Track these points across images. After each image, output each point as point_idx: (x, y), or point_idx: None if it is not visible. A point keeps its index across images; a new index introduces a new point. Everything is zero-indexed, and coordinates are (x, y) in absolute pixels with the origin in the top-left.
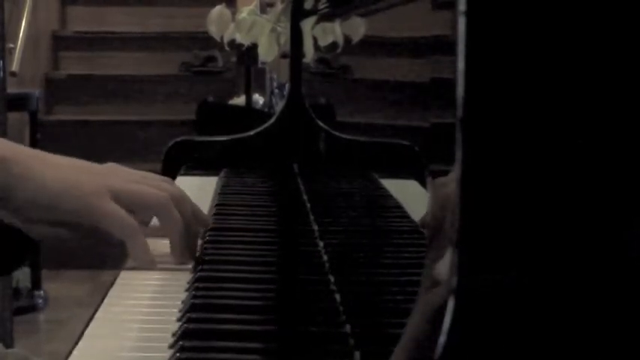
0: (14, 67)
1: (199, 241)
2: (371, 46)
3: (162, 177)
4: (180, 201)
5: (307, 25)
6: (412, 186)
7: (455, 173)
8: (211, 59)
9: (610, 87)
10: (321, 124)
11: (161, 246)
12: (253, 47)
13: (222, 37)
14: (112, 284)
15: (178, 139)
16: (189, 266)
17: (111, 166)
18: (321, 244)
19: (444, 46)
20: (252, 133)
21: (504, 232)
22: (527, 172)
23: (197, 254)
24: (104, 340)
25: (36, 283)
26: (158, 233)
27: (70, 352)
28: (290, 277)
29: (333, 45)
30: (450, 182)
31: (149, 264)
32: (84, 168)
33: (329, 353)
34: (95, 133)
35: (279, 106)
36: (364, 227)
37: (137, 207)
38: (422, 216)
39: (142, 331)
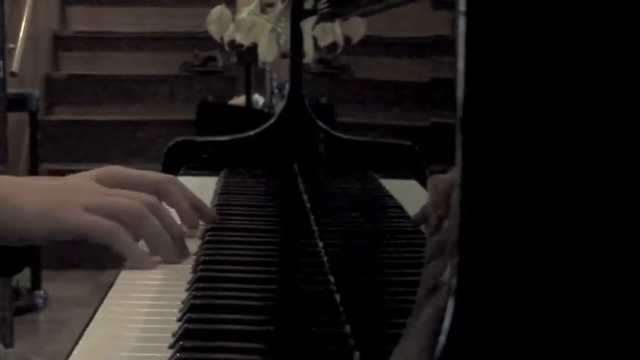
0: (14, 67)
1: (199, 241)
2: (371, 46)
3: (160, 174)
4: (157, 208)
5: (307, 25)
6: (412, 186)
7: (455, 174)
8: (211, 59)
9: (610, 86)
10: (321, 124)
11: None
12: (253, 47)
13: (222, 37)
14: (112, 284)
15: (178, 139)
16: (189, 265)
17: (83, 182)
18: (321, 244)
19: (444, 46)
20: (252, 133)
21: (504, 233)
22: (527, 172)
23: (187, 254)
24: (104, 340)
25: (36, 283)
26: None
27: (70, 352)
28: (290, 277)
29: (333, 45)
30: (449, 180)
31: (144, 261)
32: (56, 187)
33: (329, 353)
34: (95, 133)
35: (279, 106)
36: (364, 227)
37: (111, 217)
38: (416, 213)
39: (142, 331)
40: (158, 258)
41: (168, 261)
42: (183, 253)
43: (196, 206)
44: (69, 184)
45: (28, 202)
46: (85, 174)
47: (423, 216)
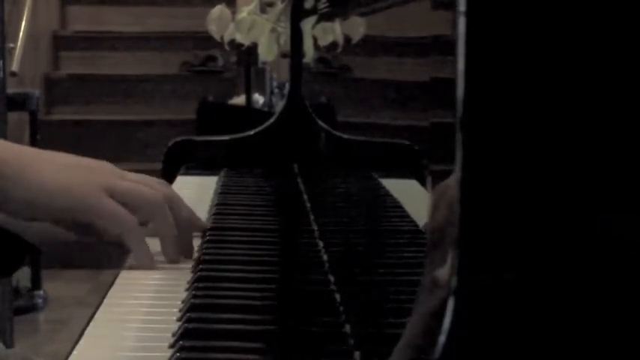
0: (14, 67)
1: (199, 241)
2: (371, 45)
3: (157, 179)
4: (174, 202)
5: (307, 24)
6: (412, 186)
7: (455, 174)
8: (211, 59)
9: (610, 85)
10: (321, 123)
11: (158, 245)
12: (253, 47)
13: (222, 37)
14: (112, 284)
15: (178, 139)
16: (189, 265)
17: (105, 165)
18: (321, 244)
19: (444, 46)
20: (252, 132)
21: (504, 233)
22: (527, 172)
23: (193, 254)
24: (104, 340)
25: (36, 283)
26: (154, 232)
27: (70, 352)
28: (290, 277)
29: (333, 45)
30: (450, 184)
31: (149, 261)
32: (79, 165)
33: (329, 353)
34: (95, 133)
35: (279, 105)
36: (364, 227)
37: (131, 205)
38: (425, 221)
39: (142, 331)
40: (161, 259)
41: (170, 259)
42: (187, 253)
43: (190, 217)
44: (90, 164)
45: (49, 176)
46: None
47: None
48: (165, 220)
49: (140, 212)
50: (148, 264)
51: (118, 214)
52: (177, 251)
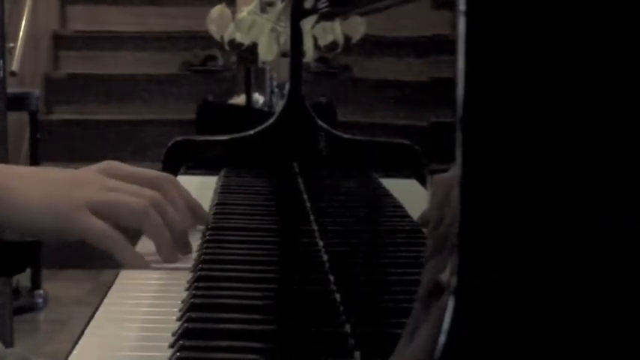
0: (14, 67)
1: (199, 241)
2: (371, 45)
3: (158, 173)
4: (161, 205)
5: (307, 24)
6: (412, 186)
7: (455, 173)
8: (211, 58)
9: (610, 85)
10: (321, 123)
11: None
12: (253, 47)
13: (222, 37)
14: (112, 284)
15: (178, 139)
16: (189, 265)
17: (89, 175)
18: (321, 243)
19: (444, 45)
20: (252, 132)
21: (504, 232)
22: (527, 171)
23: (191, 249)
24: (104, 340)
25: (36, 283)
26: None
27: (70, 352)
28: (290, 277)
29: (333, 44)
30: (450, 181)
31: (141, 265)
32: (62, 179)
33: (329, 353)
34: (95, 133)
35: (279, 105)
36: (364, 227)
37: (116, 216)
38: (421, 213)
39: (142, 330)
40: (157, 258)
41: (166, 260)
42: (185, 249)
43: (191, 207)
44: (75, 177)
45: (33, 197)
46: (88, 168)
47: (427, 217)
48: (152, 226)
49: (126, 221)
50: (141, 267)
51: (101, 233)
52: (173, 251)
